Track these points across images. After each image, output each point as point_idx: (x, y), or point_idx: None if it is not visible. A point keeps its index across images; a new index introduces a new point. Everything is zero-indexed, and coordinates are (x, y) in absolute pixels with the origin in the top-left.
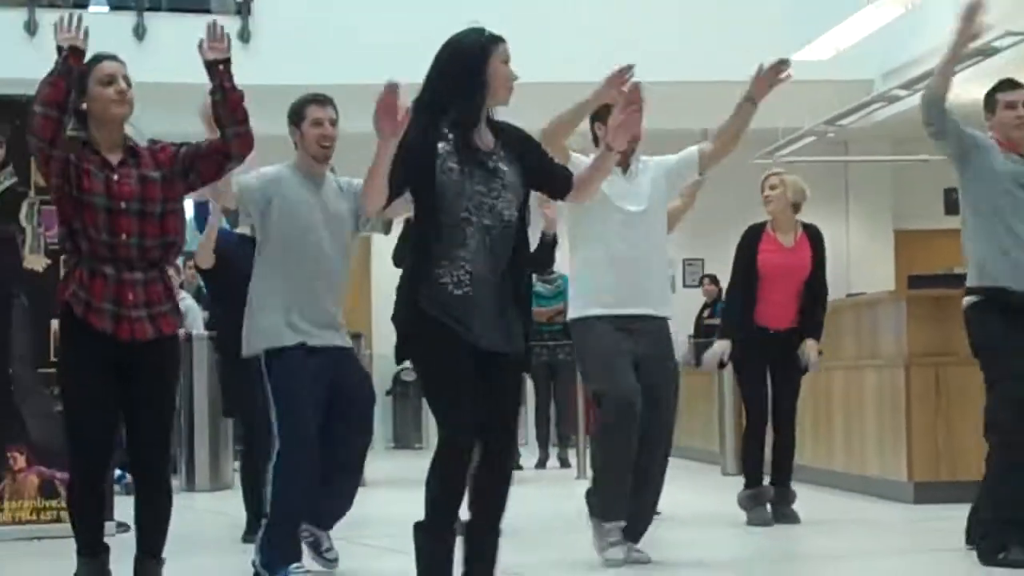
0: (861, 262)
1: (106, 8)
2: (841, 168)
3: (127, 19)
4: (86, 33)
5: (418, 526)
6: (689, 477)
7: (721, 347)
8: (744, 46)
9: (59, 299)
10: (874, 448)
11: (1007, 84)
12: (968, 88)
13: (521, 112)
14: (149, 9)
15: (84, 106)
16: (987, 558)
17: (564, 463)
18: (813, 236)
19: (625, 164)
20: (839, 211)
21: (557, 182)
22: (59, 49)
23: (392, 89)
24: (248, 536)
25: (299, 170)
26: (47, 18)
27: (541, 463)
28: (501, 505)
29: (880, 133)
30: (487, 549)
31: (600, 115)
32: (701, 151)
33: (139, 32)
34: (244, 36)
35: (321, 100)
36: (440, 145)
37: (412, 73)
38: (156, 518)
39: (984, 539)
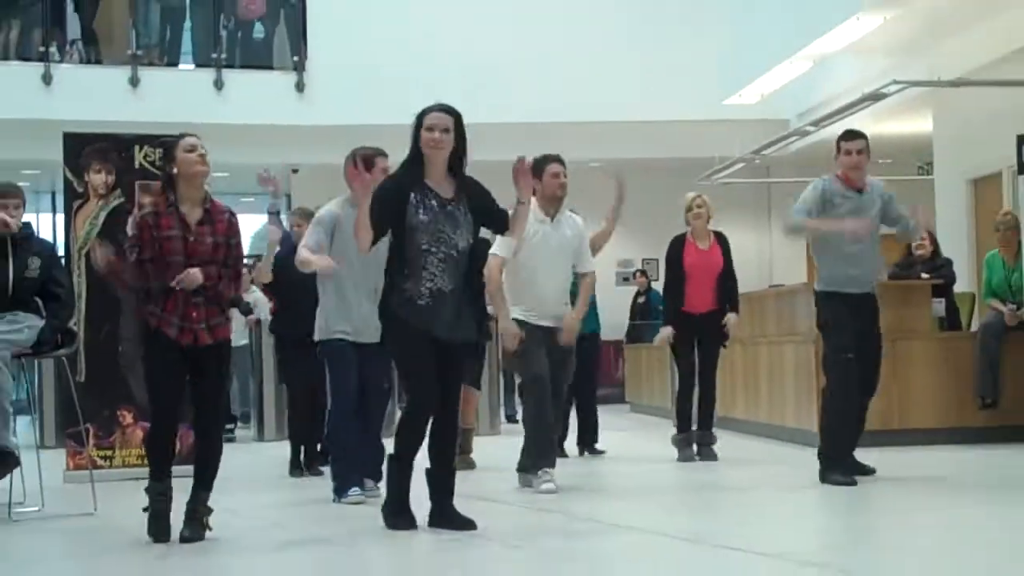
0: (780, 261)
1: (192, 66)
2: (764, 188)
3: (208, 74)
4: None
5: (391, 459)
6: (645, 428)
7: (667, 332)
8: (691, 91)
9: (136, 316)
10: (791, 405)
11: (848, 134)
12: (863, 125)
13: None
14: (226, 66)
15: (174, 170)
16: (822, 479)
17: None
18: (722, 241)
19: (552, 215)
20: (763, 222)
21: (498, 224)
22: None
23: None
24: (293, 471)
25: (352, 204)
26: (146, 73)
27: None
28: (452, 451)
29: (795, 160)
30: (446, 483)
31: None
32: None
33: (218, 84)
34: (300, 87)
35: (384, 153)
36: (412, 195)
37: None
38: (208, 462)
39: (821, 467)
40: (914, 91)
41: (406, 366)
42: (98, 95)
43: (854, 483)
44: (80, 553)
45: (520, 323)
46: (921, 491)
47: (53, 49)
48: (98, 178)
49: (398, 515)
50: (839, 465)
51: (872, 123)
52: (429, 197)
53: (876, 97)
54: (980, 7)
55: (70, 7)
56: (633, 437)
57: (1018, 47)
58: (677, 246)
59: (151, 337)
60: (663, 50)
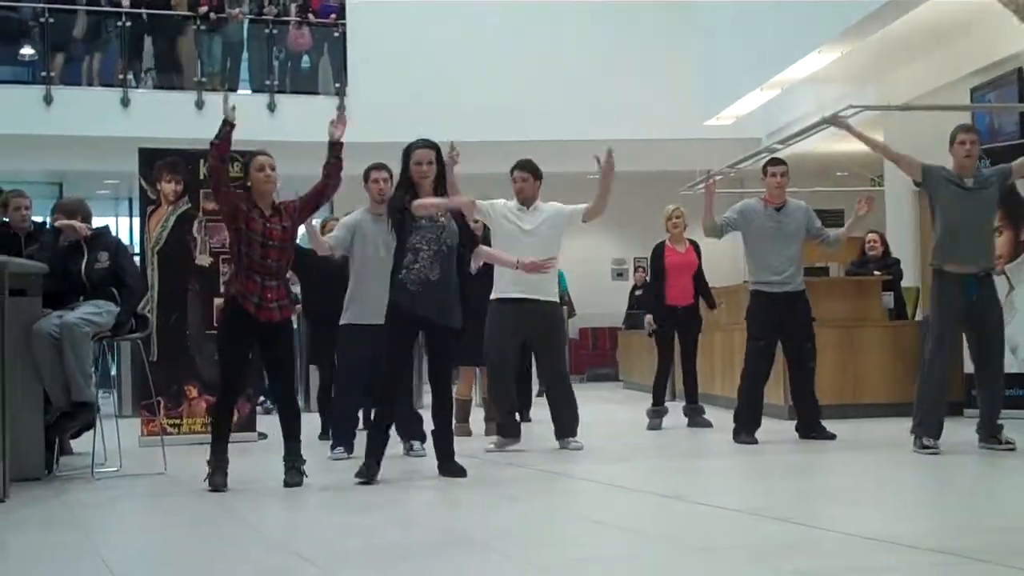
0: None
1: (249, 91)
2: (738, 197)
3: (263, 98)
4: (234, 108)
5: (373, 425)
6: (633, 402)
7: (648, 320)
8: (675, 114)
9: (225, 294)
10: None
11: (773, 160)
12: (820, 146)
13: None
14: (278, 91)
15: (248, 184)
16: (734, 438)
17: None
18: (695, 246)
19: (528, 205)
20: None
21: (466, 237)
22: (224, 123)
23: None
24: (321, 436)
25: (370, 212)
26: (210, 97)
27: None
28: (449, 417)
29: None
30: (445, 442)
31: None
32: (586, 208)
33: (271, 107)
34: (341, 109)
35: (378, 167)
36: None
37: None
38: (291, 419)
39: (734, 428)
40: (868, 114)
41: (389, 340)
42: (168, 116)
43: (755, 442)
44: (154, 500)
45: (497, 303)
46: (869, 454)
47: (131, 76)
48: (168, 187)
49: (366, 470)
50: (746, 427)
51: (832, 142)
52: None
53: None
54: (925, 43)
55: (146, 40)
56: (622, 408)
57: (956, 77)
58: (658, 250)
59: (226, 313)
60: (651, 79)
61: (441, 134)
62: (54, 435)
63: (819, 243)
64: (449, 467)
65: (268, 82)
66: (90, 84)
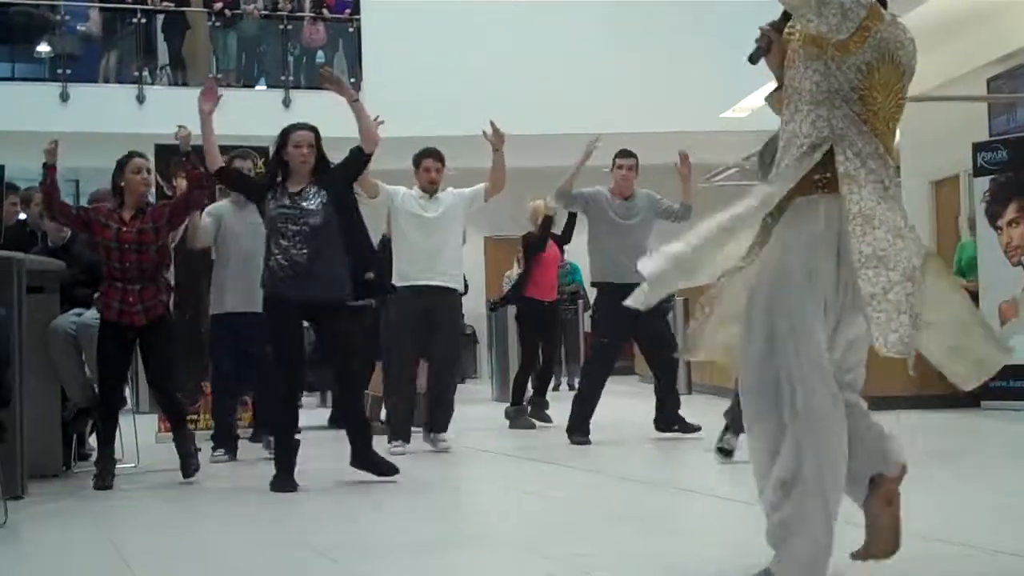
0: None
1: (264, 87)
2: None
3: (278, 94)
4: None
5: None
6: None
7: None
8: (692, 107)
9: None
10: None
11: (622, 152)
12: None
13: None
14: (293, 87)
15: (122, 184)
16: (568, 437)
17: (571, 387)
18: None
19: (431, 193)
20: None
21: (353, 155)
22: (44, 166)
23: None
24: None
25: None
26: (225, 93)
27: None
28: (353, 406)
29: None
30: (357, 435)
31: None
32: (486, 187)
33: (287, 103)
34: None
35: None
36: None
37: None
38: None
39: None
40: None
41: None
42: (184, 112)
43: (589, 443)
44: (171, 496)
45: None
46: None
47: (146, 73)
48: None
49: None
50: (580, 428)
51: None
52: (281, 194)
53: None
54: (938, 36)
55: (160, 37)
56: (638, 403)
57: (970, 69)
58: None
59: (100, 327)
60: (669, 73)
61: (457, 128)
62: (72, 431)
63: (672, 219)
64: (367, 462)
65: (283, 78)
66: (106, 81)
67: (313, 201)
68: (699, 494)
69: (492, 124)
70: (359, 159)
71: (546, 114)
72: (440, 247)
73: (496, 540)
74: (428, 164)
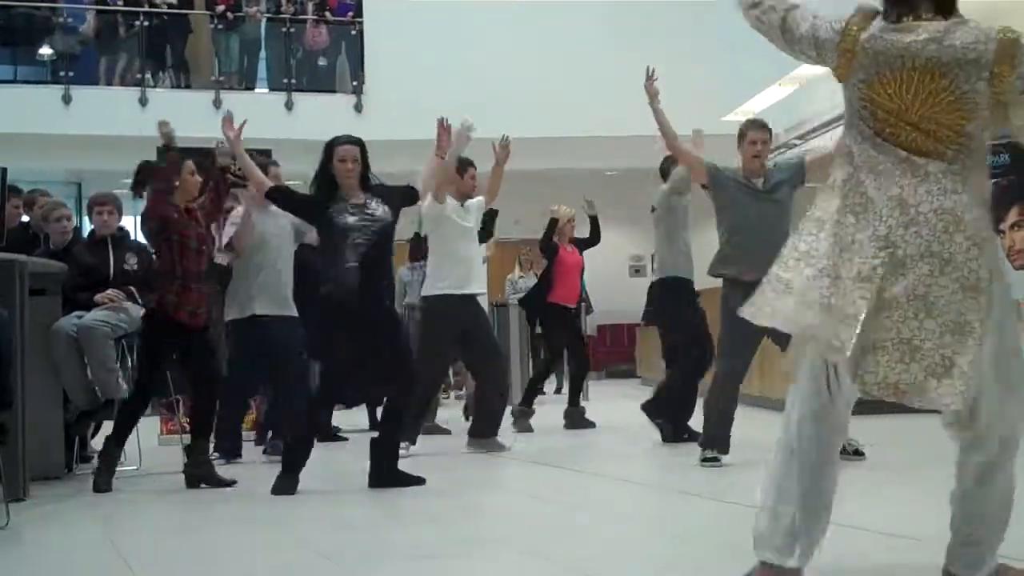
0: None
1: (267, 90)
2: None
3: (280, 96)
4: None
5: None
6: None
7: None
8: (696, 110)
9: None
10: (775, 375)
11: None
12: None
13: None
14: (295, 90)
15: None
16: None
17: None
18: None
19: (463, 200)
20: None
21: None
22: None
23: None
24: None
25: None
26: (227, 96)
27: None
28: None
29: None
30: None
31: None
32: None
33: (289, 105)
34: (358, 108)
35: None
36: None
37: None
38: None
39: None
40: None
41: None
42: (186, 115)
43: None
44: (173, 498)
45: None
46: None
47: (148, 76)
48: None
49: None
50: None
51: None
52: (350, 206)
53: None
54: None
55: (164, 40)
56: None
57: None
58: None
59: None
60: (670, 75)
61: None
62: (74, 434)
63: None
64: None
65: (285, 81)
66: (109, 83)
67: (379, 209)
68: (701, 497)
69: (506, 139)
70: (413, 199)
71: (546, 115)
72: (477, 255)
73: (497, 543)
74: (473, 172)
